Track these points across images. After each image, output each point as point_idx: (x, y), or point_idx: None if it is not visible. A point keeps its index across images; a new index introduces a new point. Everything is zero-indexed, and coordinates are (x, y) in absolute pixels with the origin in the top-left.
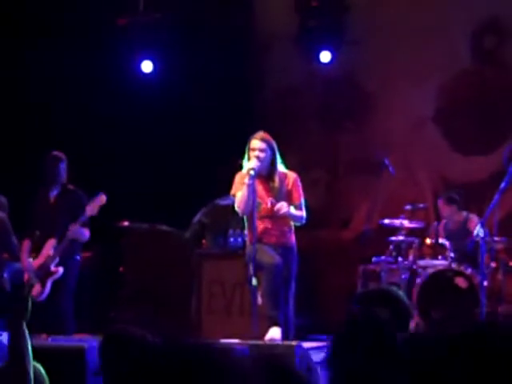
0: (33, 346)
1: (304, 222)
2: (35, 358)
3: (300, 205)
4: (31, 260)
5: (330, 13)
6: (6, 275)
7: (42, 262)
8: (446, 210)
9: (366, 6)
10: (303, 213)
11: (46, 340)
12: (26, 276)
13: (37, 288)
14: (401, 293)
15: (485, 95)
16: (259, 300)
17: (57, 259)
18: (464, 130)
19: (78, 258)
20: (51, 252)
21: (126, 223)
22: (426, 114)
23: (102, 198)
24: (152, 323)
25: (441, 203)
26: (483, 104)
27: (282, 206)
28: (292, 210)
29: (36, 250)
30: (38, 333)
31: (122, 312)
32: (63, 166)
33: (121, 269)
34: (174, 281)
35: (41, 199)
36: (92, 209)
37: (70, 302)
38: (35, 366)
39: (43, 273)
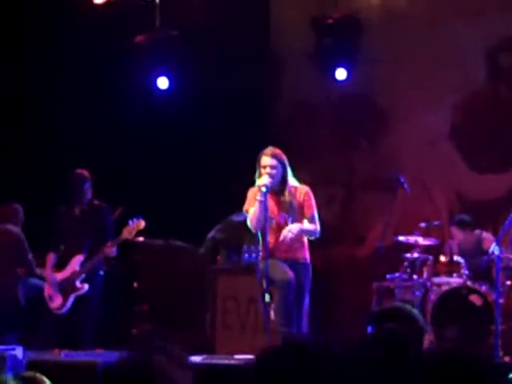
0: (45, 361)
1: (317, 235)
2: (47, 372)
3: (312, 217)
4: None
5: (346, 31)
6: (21, 290)
7: (66, 276)
8: (460, 235)
9: (381, 24)
10: (316, 226)
11: (59, 355)
12: (47, 289)
13: (58, 301)
14: (415, 310)
15: (500, 113)
16: (272, 316)
17: (83, 275)
18: (479, 147)
19: (102, 273)
20: (77, 268)
21: (140, 239)
22: (442, 132)
23: (141, 223)
24: (167, 339)
25: (454, 230)
26: (498, 122)
27: (287, 235)
28: (305, 224)
29: (60, 265)
30: (54, 347)
31: (137, 327)
32: (87, 186)
33: (135, 284)
34: (188, 297)
35: (66, 214)
36: (129, 232)
37: (91, 318)
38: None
39: (66, 287)
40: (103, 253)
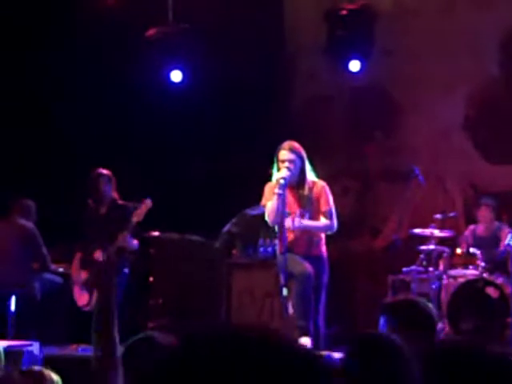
0: (62, 356)
1: (333, 230)
2: (62, 367)
3: (328, 212)
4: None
5: (360, 22)
6: (37, 285)
7: (90, 272)
8: (488, 215)
9: (395, 15)
10: (331, 221)
11: (76, 350)
12: (75, 288)
13: (85, 299)
14: (427, 303)
15: None
16: (290, 310)
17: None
18: (493, 138)
19: (127, 271)
20: (100, 260)
21: (156, 233)
22: (455, 123)
23: (148, 203)
24: (182, 333)
25: (484, 209)
26: None
27: (296, 221)
28: (321, 220)
29: (88, 263)
30: (72, 342)
31: (153, 321)
32: (105, 184)
33: (151, 279)
34: (203, 291)
35: (92, 213)
36: (139, 215)
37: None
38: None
39: (91, 282)
40: (118, 241)
